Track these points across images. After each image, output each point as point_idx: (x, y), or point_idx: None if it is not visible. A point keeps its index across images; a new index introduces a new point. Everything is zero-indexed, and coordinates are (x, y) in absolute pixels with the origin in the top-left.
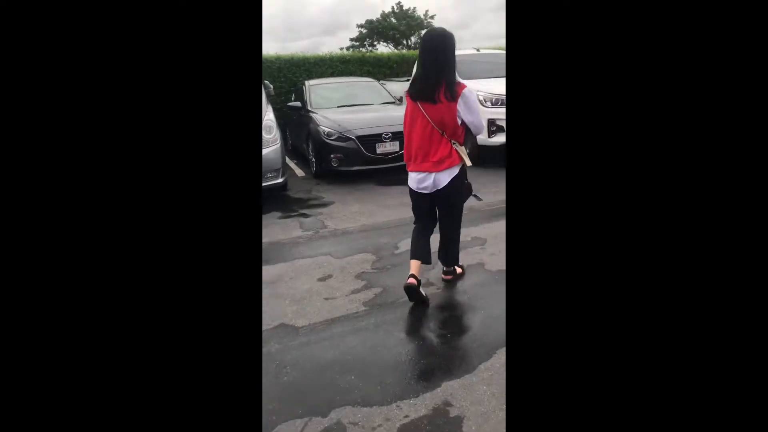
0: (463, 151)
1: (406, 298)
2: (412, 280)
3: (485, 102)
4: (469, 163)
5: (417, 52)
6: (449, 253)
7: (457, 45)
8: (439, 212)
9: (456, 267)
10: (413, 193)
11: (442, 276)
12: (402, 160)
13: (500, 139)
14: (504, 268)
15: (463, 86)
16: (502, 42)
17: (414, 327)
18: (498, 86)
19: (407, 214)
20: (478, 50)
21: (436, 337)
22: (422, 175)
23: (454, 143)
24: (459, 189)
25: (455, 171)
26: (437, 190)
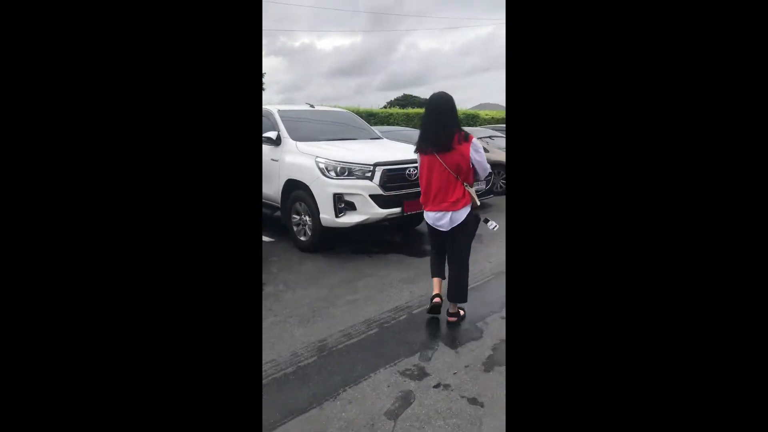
0: (473, 193)
1: None
2: (438, 300)
3: (327, 171)
4: (478, 203)
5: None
6: (457, 290)
7: (289, 104)
8: (451, 248)
9: (460, 309)
10: (431, 229)
11: (448, 318)
12: None
13: (350, 218)
14: None
15: (472, 135)
16: (335, 103)
17: None
18: (340, 152)
19: None
20: (312, 106)
21: None
22: (440, 213)
23: (466, 186)
24: (471, 225)
25: (468, 209)
26: (454, 227)
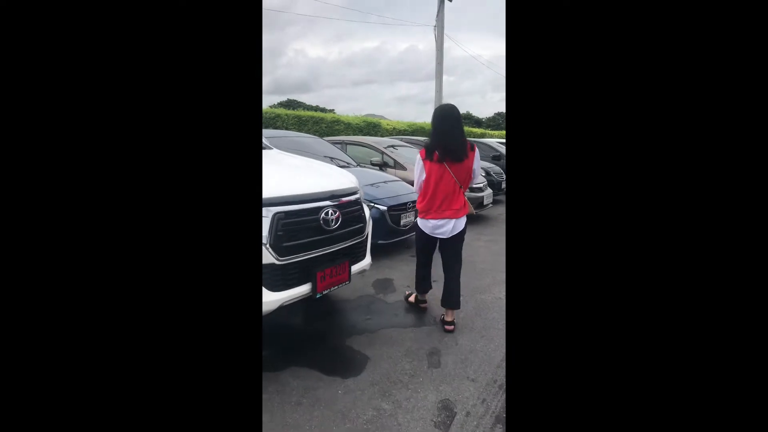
0: (469, 202)
1: None
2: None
3: None
4: (473, 211)
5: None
6: (453, 297)
7: None
8: (449, 254)
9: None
10: (426, 237)
11: (445, 327)
12: None
13: None
14: None
15: (475, 144)
16: None
17: None
18: None
19: None
20: None
21: None
22: (443, 221)
23: (466, 194)
24: (464, 232)
25: (466, 217)
26: (454, 235)
